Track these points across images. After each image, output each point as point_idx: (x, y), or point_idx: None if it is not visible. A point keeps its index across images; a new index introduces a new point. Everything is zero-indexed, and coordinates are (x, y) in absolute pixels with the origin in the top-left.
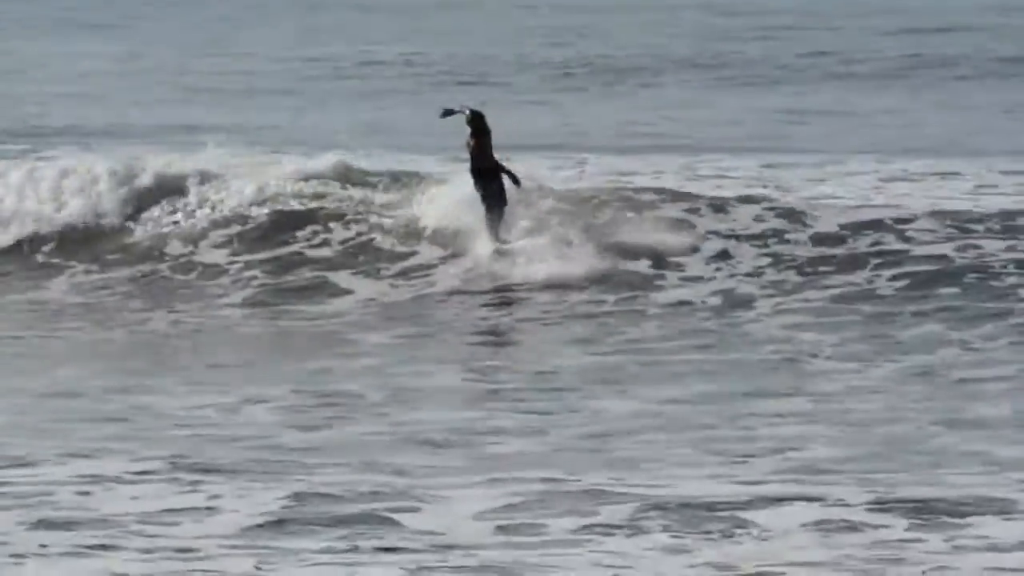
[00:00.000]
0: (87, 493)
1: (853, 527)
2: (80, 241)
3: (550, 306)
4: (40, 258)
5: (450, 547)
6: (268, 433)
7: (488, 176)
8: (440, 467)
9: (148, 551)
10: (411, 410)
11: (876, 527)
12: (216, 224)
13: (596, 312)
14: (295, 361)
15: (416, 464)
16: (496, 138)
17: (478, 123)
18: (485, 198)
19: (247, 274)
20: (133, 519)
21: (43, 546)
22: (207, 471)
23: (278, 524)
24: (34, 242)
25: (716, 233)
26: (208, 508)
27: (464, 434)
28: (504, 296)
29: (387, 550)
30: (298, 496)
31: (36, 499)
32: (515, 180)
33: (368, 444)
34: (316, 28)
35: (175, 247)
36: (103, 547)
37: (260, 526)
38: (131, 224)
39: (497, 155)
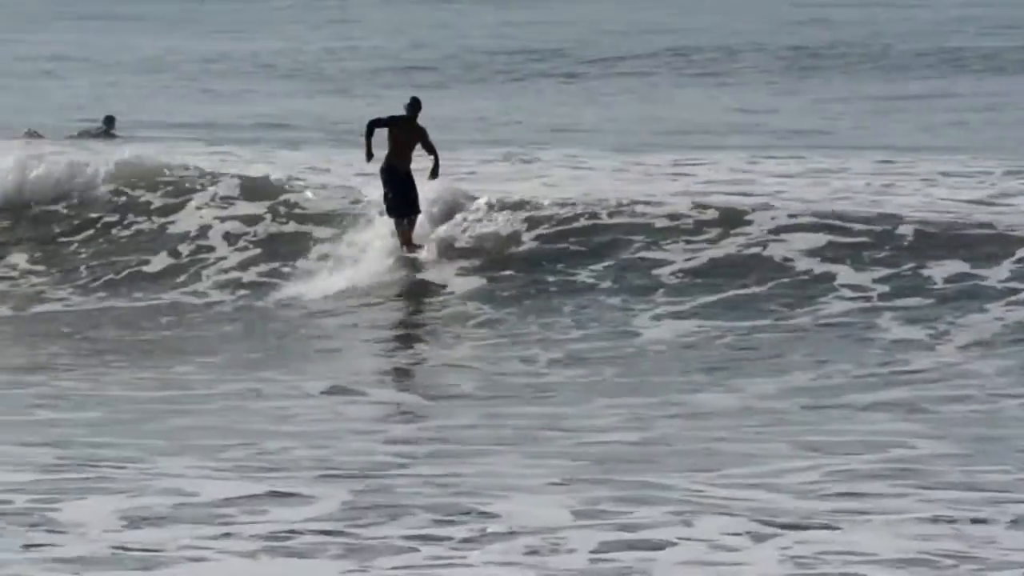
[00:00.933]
0: (181, 486)
1: (943, 525)
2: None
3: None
4: None
5: (538, 537)
6: (361, 427)
7: (407, 177)
8: (531, 461)
9: (233, 540)
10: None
11: (971, 525)
12: None
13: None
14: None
15: (507, 457)
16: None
17: (416, 113)
18: (399, 200)
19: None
20: (221, 509)
21: (141, 541)
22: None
23: (362, 515)
24: None
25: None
26: (308, 497)
27: (554, 427)
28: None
29: (473, 541)
30: (383, 488)
31: (134, 492)
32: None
33: (461, 438)
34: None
35: None
36: (207, 538)
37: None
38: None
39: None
